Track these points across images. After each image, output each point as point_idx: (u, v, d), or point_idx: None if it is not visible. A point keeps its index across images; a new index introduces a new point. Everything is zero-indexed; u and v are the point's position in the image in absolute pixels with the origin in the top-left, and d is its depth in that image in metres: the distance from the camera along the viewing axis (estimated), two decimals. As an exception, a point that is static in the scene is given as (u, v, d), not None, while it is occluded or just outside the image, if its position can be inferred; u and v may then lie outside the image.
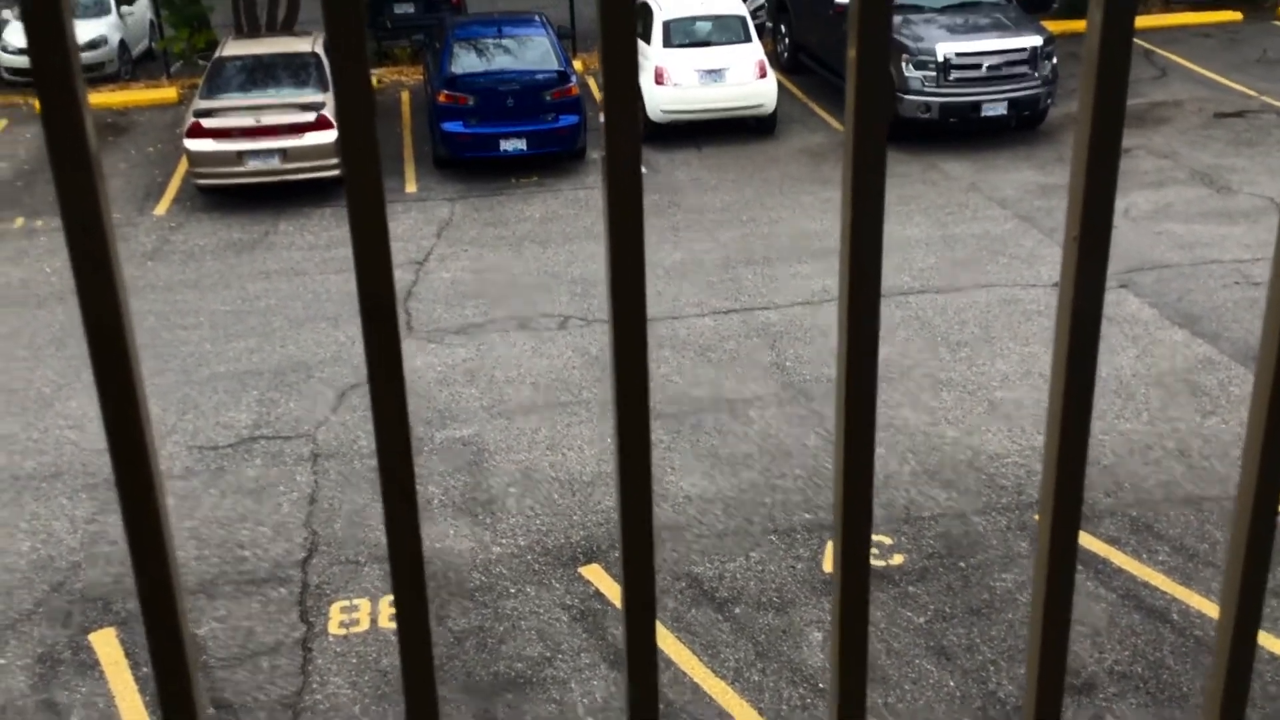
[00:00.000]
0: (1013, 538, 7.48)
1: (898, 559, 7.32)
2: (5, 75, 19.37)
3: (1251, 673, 1.19)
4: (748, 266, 11.86)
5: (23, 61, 19.15)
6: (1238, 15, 20.69)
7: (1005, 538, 7.49)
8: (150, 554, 0.95)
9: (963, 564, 7.27)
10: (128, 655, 6.71)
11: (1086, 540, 7.38)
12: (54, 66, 0.81)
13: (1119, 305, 10.54)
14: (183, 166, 14.78)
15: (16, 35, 19.52)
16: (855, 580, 1.08)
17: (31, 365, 10.26)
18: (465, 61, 14.93)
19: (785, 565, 7.32)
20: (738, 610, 6.95)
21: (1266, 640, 6.47)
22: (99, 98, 18.18)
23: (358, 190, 0.88)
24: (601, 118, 0.92)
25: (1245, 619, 1.14)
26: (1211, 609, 6.80)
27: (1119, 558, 7.24)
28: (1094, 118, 0.93)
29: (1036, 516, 7.65)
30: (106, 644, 6.81)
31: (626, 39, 0.88)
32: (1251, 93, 16.91)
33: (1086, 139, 0.94)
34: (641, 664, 1.07)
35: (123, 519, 0.94)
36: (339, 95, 0.87)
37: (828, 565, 7.32)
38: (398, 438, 0.96)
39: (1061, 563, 1.09)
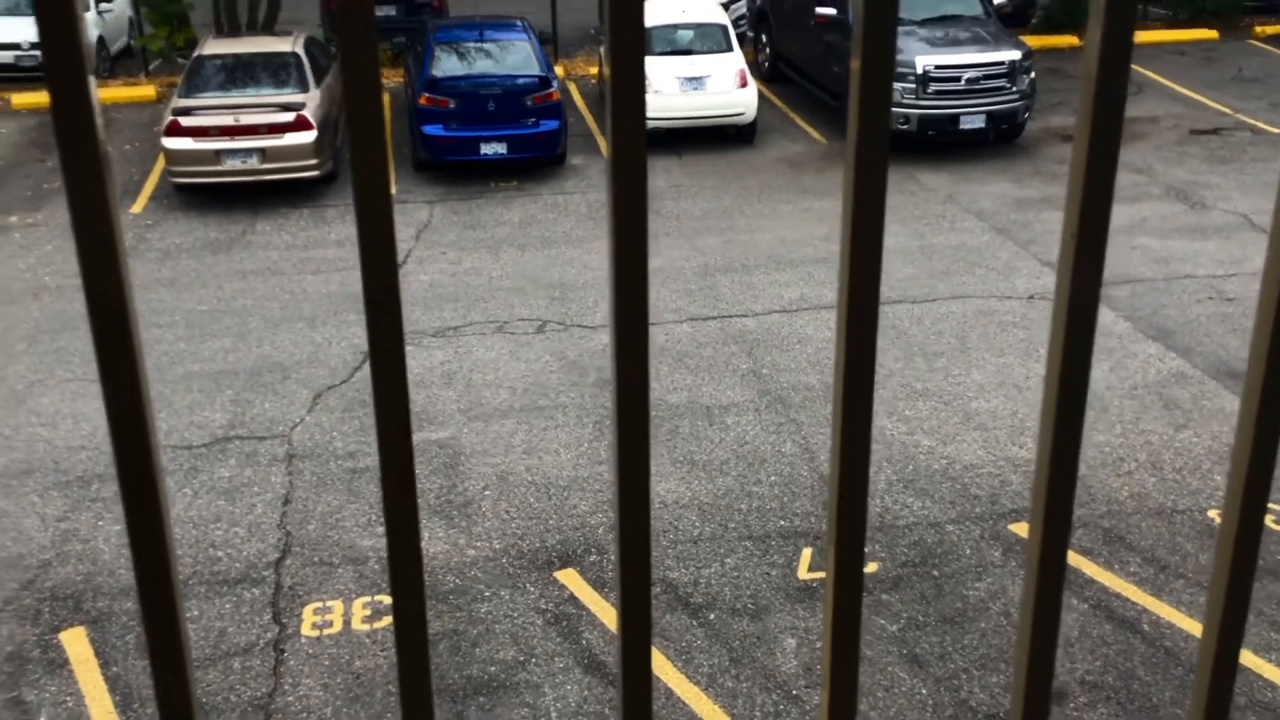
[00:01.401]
0: (986, 547, 7.53)
1: (872, 567, 7.34)
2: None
3: (1233, 692, 1.20)
4: (726, 274, 11.89)
5: (3, 57, 19.00)
6: (1213, 33, 20.92)
7: (979, 547, 7.53)
8: (150, 540, 0.95)
9: (936, 573, 7.30)
10: (98, 654, 6.66)
11: (1059, 550, 7.42)
12: (65, 58, 0.81)
13: (1093, 318, 10.61)
14: (160, 165, 14.69)
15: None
16: (848, 591, 1.08)
17: (4, 362, 10.17)
18: (446, 65, 14.91)
19: (760, 571, 7.33)
20: (712, 616, 6.96)
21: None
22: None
23: (364, 177, 0.89)
24: (608, 118, 0.92)
25: (1228, 638, 1.16)
26: (1182, 620, 6.85)
27: (1091, 568, 7.29)
28: (1095, 111, 0.94)
29: (1011, 526, 7.70)
30: (77, 642, 6.75)
31: (635, 38, 0.88)
32: (1226, 110, 17.09)
33: (1087, 133, 0.95)
34: (636, 685, 1.07)
35: (124, 508, 0.94)
36: (347, 88, 0.87)
37: (803, 572, 7.34)
38: (400, 428, 0.96)
39: (1049, 580, 1.10)
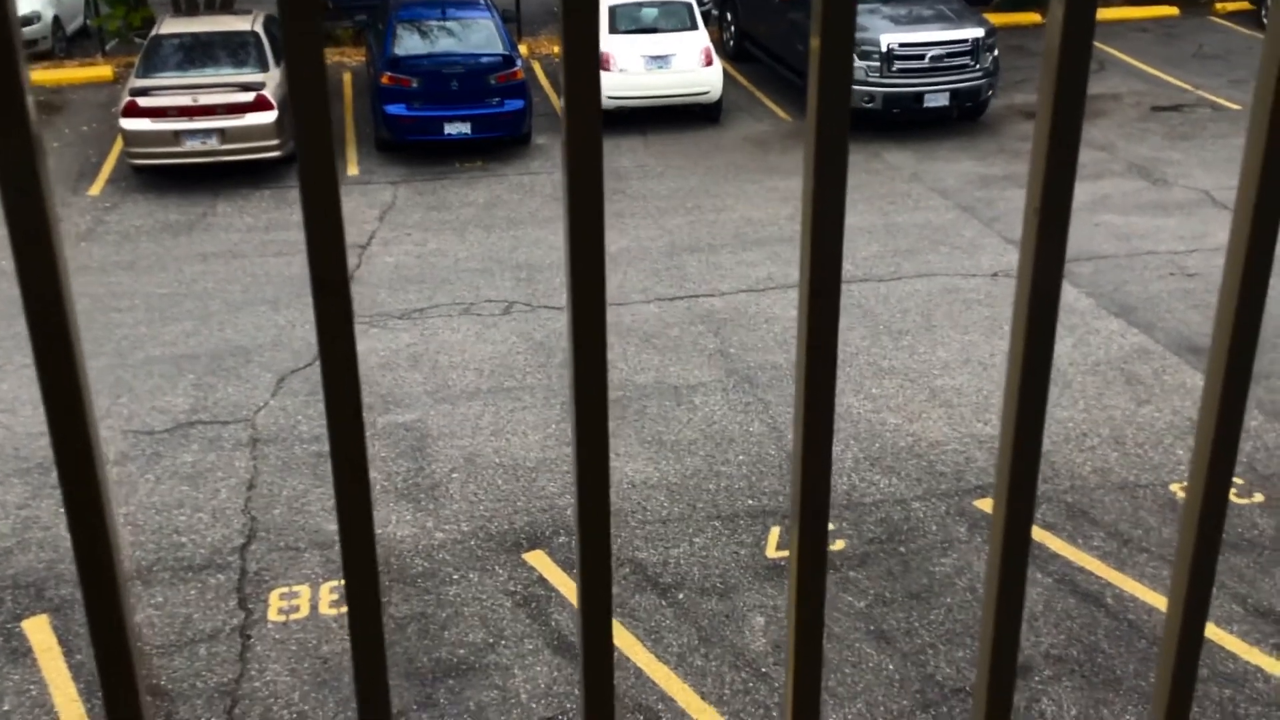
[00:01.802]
0: (951, 523, 7.58)
1: (839, 544, 7.38)
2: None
3: (1198, 664, 1.20)
4: (693, 254, 11.88)
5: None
6: (1174, 10, 21.05)
7: (944, 523, 7.58)
8: (92, 538, 0.92)
9: (903, 549, 7.35)
10: (61, 642, 6.59)
11: (1024, 526, 7.48)
12: None
13: (1057, 295, 10.69)
14: (118, 146, 14.49)
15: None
16: (811, 570, 1.07)
17: (-40, 347, 10.01)
18: (409, 43, 14.77)
19: (729, 551, 7.35)
20: (681, 596, 6.98)
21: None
22: (32, 75, 17.75)
23: (310, 159, 0.86)
24: (561, 100, 0.90)
25: (1193, 612, 1.16)
26: (1145, 593, 6.93)
27: (1054, 543, 7.36)
28: (1057, 88, 0.93)
29: (976, 502, 7.75)
30: (40, 631, 6.68)
31: (589, 17, 0.86)
32: (1187, 87, 17.21)
33: (1050, 110, 0.94)
34: (597, 662, 1.06)
35: (64, 502, 0.91)
36: (290, 64, 0.85)
37: (771, 550, 7.36)
38: (350, 415, 0.94)
39: (1014, 556, 1.10)
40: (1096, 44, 19.03)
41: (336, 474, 0.97)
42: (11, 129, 0.81)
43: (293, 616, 6.81)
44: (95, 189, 13.76)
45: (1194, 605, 1.16)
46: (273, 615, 6.82)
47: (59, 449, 0.89)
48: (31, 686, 6.28)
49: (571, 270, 0.94)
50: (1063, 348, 9.74)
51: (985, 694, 1.16)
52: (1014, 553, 1.10)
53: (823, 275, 0.97)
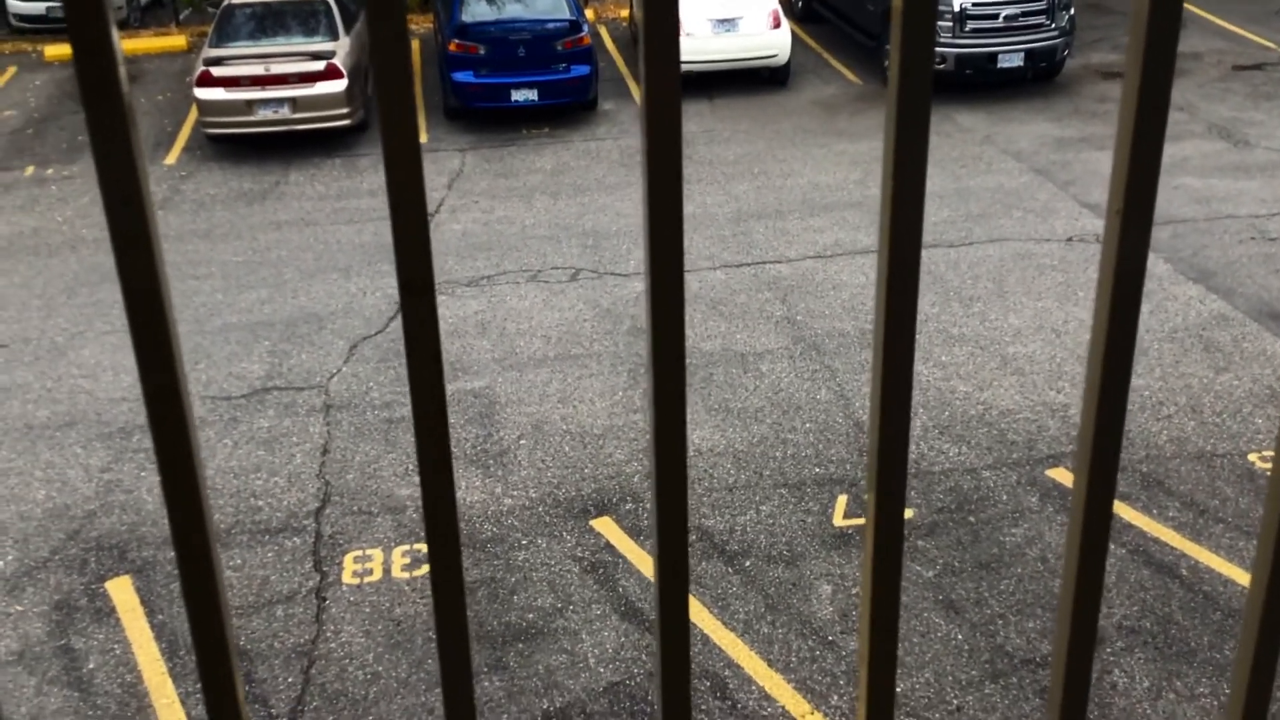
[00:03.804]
0: (1023, 493, 7.50)
1: (908, 513, 7.34)
2: (14, 23, 19.26)
3: None
4: (759, 220, 11.81)
5: (32, 8, 19.03)
6: (1259, -35, 20.38)
7: (1015, 493, 7.50)
8: (186, 509, 0.95)
9: (972, 519, 7.29)
10: (143, 602, 6.78)
11: (1097, 496, 7.38)
12: (86, 7, 0.80)
13: (1133, 260, 10.48)
14: (192, 115, 14.72)
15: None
16: (889, 538, 1.08)
17: (45, 314, 10.28)
18: (476, 10, 14.79)
19: (795, 519, 7.35)
20: (748, 563, 6.99)
21: None
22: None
23: (395, 147, 0.87)
24: (642, 64, 0.90)
25: (1277, 589, 1.14)
26: (1220, 564, 6.82)
27: (1129, 513, 7.26)
28: (1141, 85, 0.91)
29: (1048, 472, 7.66)
30: (122, 591, 6.88)
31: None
32: (1270, 45, 16.70)
33: (1133, 108, 0.92)
34: (673, 631, 1.07)
35: (158, 468, 0.94)
36: (375, 53, 0.86)
37: (838, 519, 7.35)
38: (434, 398, 0.96)
39: (1096, 528, 1.09)
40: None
41: (421, 456, 0.99)
42: (105, 98, 0.83)
43: (366, 580, 6.94)
44: (171, 158, 14.01)
45: (1278, 579, 1.14)
46: (347, 578, 6.96)
47: (153, 413, 0.92)
48: (115, 646, 6.48)
49: (650, 238, 0.94)
50: (1139, 314, 9.55)
51: (1064, 664, 1.15)
52: (1095, 525, 1.09)
53: (903, 246, 0.96)
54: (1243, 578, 6.70)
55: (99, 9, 0.80)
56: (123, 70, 0.83)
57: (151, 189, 11.57)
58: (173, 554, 7.14)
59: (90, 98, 0.82)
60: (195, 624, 1.00)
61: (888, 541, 1.08)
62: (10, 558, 7.20)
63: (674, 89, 0.90)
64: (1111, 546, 6.97)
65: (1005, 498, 7.47)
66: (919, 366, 8.94)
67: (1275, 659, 1.18)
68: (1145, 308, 9.69)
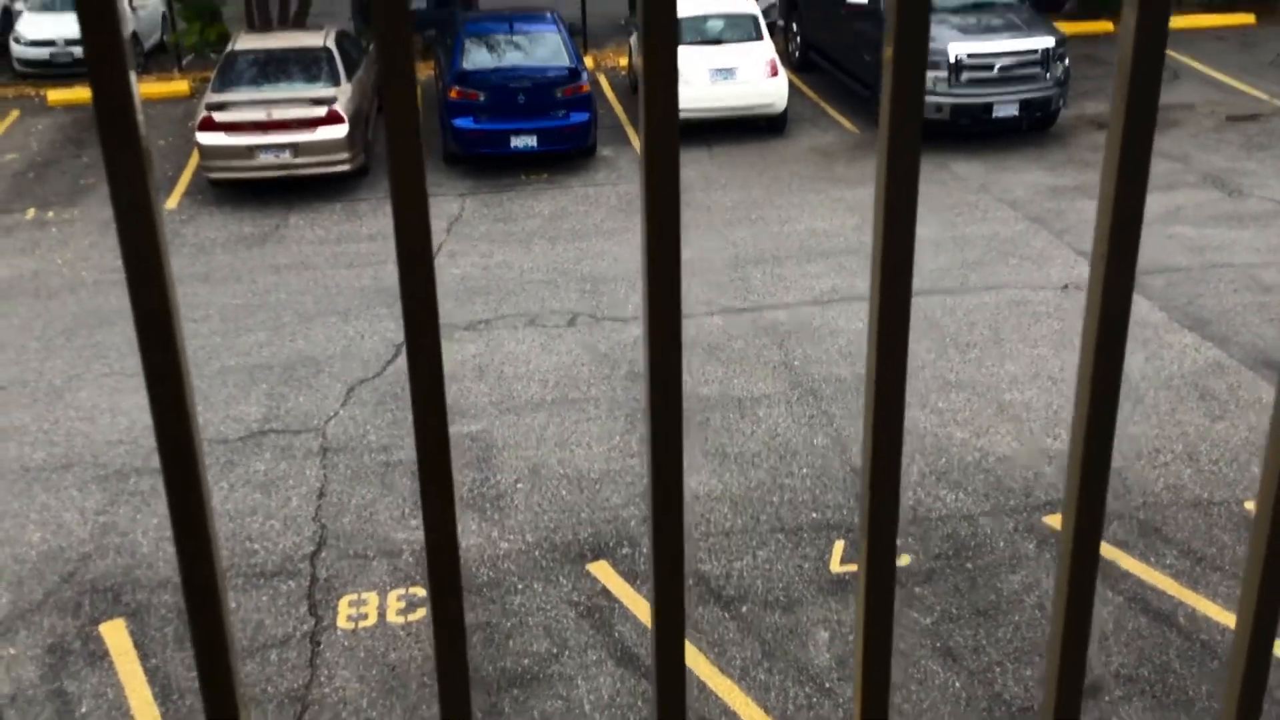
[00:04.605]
0: (1020, 540, 7.49)
1: (905, 560, 7.32)
2: (18, 67, 19.43)
3: (1266, 685, 1.20)
4: (757, 265, 11.87)
5: (36, 53, 19.21)
6: (1251, 18, 20.65)
7: (1013, 540, 7.50)
8: (194, 540, 0.96)
9: (970, 565, 7.28)
10: (137, 646, 6.75)
11: (1094, 543, 7.38)
12: (105, 45, 0.82)
13: (1129, 308, 10.53)
14: (194, 160, 14.82)
15: (30, 27, 19.57)
16: (880, 582, 1.09)
17: (43, 356, 10.30)
18: (477, 57, 14.95)
19: (792, 564, 7.33)
20: (745, 609, 6.97)
21: None
22: (111, 90, 18.21)
23: (401, 178, 0.90)
24: (641, 108, 0.92)
25: (1261, 630, 1.15)
26: (1218, 613, 6.80)
27: (1126, 561, 7.25)
28: (1129, 95, 0.93)
29: (1045, 519, 7.66)
30: (116, 634, 6.85)
31: (668, 28, 0.88)
32: (1264, 96, 16.87)
33: (1121, 117, 0.94)
34: (670, 679, 1.08)
35: (167, 501, 0.95)
36: (387, 91, 0.88)
37: (835, 565, 7.33)
38: (438, 435, 0.97)
39: (1082, 573, 1.10)
40: (1170, 52, 18.71)
41: (425, 494, 1.00)
42: (125, 144, 0.85)
43: (361, 624, 6.91)
44: (172, 202, 14.08)
45: (1263, 620, 1.15)
46: (342, 622, 6.93)
47: (165, 453, 0.93)
48: (108, 689, 6.44)
49: (648, 282, 0.96)
50: (1135, 361, 9.59)
51: (1053, 713, 1.16)
52: (1082, 571, 1.10)
53: (893, 291, 0.98)
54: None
55: (119, 55, 0.83)
56: (141, 115, 0.85)
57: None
58: (167, 598, 7.11)
59: (109, 141, 0.84)
60: (202, 659, 1.01)
61: (880, 588, 1.09)
62: (4, 600, 7.16)
63: (672, 135, 0.92)
64: (1109, 594, 6.95)
65: (1002, 544, 7.46)
66: (916, 413, 8.95)
67: (1260, 702, 1.19)
68: (1141, 355, 9.73)
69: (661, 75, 0.89)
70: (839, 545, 7.49)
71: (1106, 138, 0.98)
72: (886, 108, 0.93)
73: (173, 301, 0.90)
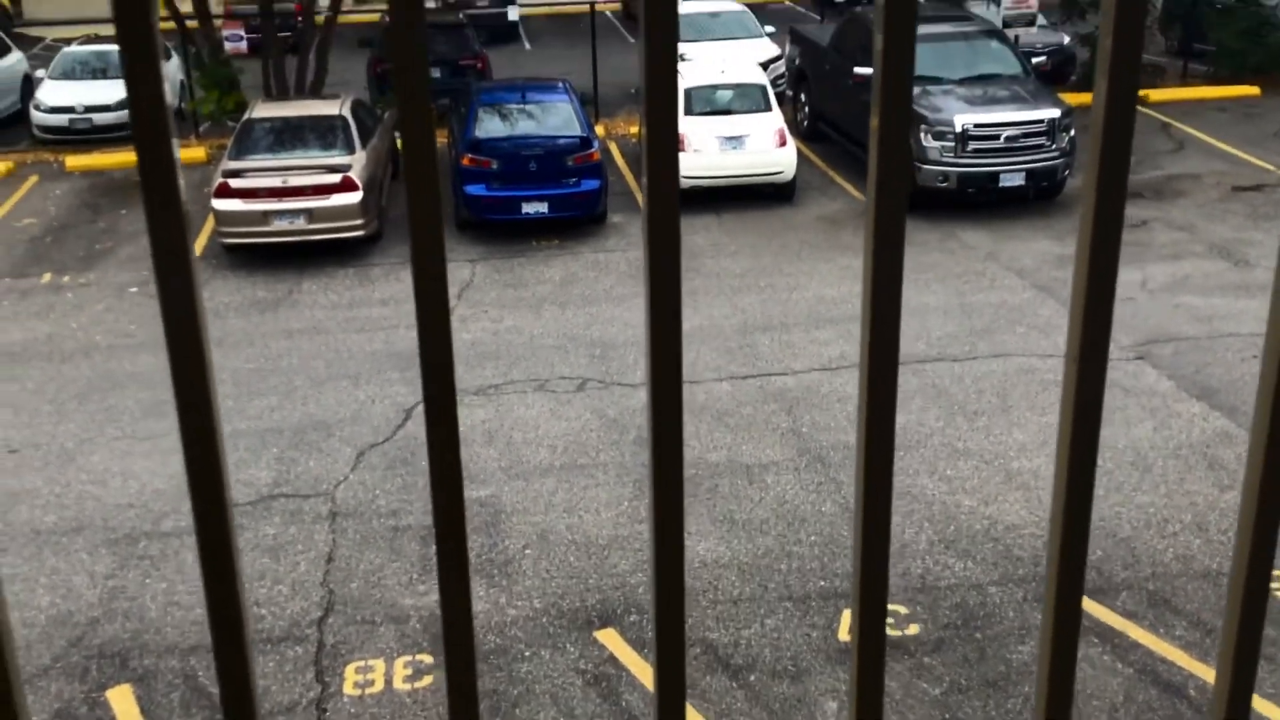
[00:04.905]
0: (1029, 609, 7.46)
1: (913, 629, 7.30)
2: (37, 133, 19.74)
3: None
4: (765, 332, 11.94)
5: (55, 120, 19.53)
6: (1255, 90, 20.86)
7: (1022, 609, 7.46)
8: (222, 582, 1.01)
9: (979, 635, 7.24)
10: (144, 712, 6.73)
11: (1103, 613, 7.35)
12: (149, 112, 0.89)
13: (1137, 377, 10.56)
14: (209, 225, 14.99)
15: (50, 94, 19.91)
16: (871, 650, 1.12)
17: (56, 419, 10.37)
18: (489, 126, 15.17)
19: (800, 633, 7.31)
20: (752, 678, 6.94)
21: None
22: (128, 156, 18.48)
23: (421, 248, 0.96)
24: (644, 178, 0.97)
25: (1239, 685, 1.19)
26: (1230, 685, 6.74)
27: (1136, 631, 7.21)
28: (1101, 163, 0.98)
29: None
30: (123, 700, 6.83)
31: (668, 98, 0.94)
32: (1269, 167, 17.01)
33: (1094, 187, 0.99)
34: None
35: (199, 552, 1.00)
36: (406, 156, 0.94)
37: (843, 633, 7.30)
38: (452, 510, 1.02)
39: (1064, 643, 1.14)
40: (1176, 123, 18.91)
41: (441, 566, 1.04)
42: (166, 204, 0.92)
43: (368, 691, 6.89)
44: (186, 266, 14.22)
45: (1240, 678, 1.18)
46: (348, 689, 6.91)
47: (198, 511, 0.98)
48: (114, 755, 6.42)
49: (651, 349, 1.00)
50: (1142, 431, 9.60)
51: None
52: (1064, 636, 1.14)
53: (881, 361, 1.02)
54: (1255, 700, 6.63)
55: (162, 122, 0.89)
56: (181, 179, 0.91)
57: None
58: (174, 663, 7.10)
59: (152, 200, 0.91)
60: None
61: (871, 656, 1.12)
62: (11, 664, 7.15)
63: (673, 205, 0.97)
64: (1119, 665, 6.91)
65: (1012, 614, 7.43)
66: (925, 480, 8.96)
67: None
68: (1148, 424, 9.74)
69: (661, 145, 0.95)
70: (847, 614, 7.47)
71: (1081, 204, 1.02)
72: (873, 174, 0.99)
73: (207, 351, 0.95)
